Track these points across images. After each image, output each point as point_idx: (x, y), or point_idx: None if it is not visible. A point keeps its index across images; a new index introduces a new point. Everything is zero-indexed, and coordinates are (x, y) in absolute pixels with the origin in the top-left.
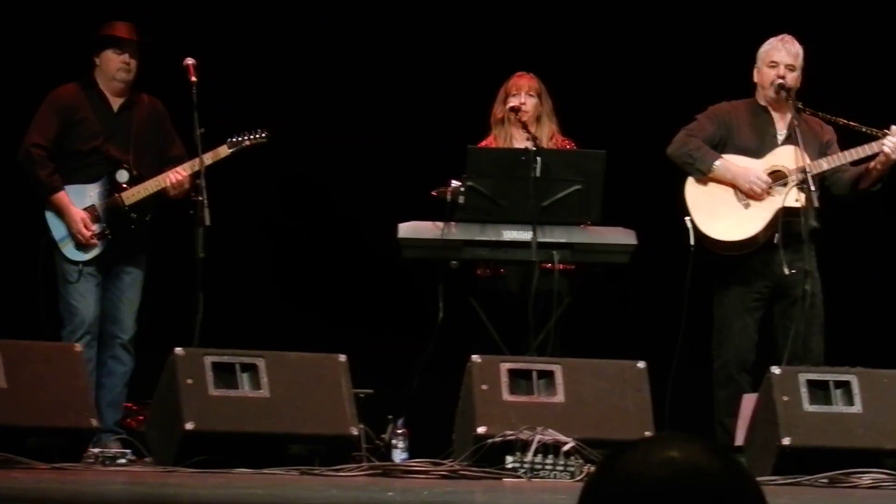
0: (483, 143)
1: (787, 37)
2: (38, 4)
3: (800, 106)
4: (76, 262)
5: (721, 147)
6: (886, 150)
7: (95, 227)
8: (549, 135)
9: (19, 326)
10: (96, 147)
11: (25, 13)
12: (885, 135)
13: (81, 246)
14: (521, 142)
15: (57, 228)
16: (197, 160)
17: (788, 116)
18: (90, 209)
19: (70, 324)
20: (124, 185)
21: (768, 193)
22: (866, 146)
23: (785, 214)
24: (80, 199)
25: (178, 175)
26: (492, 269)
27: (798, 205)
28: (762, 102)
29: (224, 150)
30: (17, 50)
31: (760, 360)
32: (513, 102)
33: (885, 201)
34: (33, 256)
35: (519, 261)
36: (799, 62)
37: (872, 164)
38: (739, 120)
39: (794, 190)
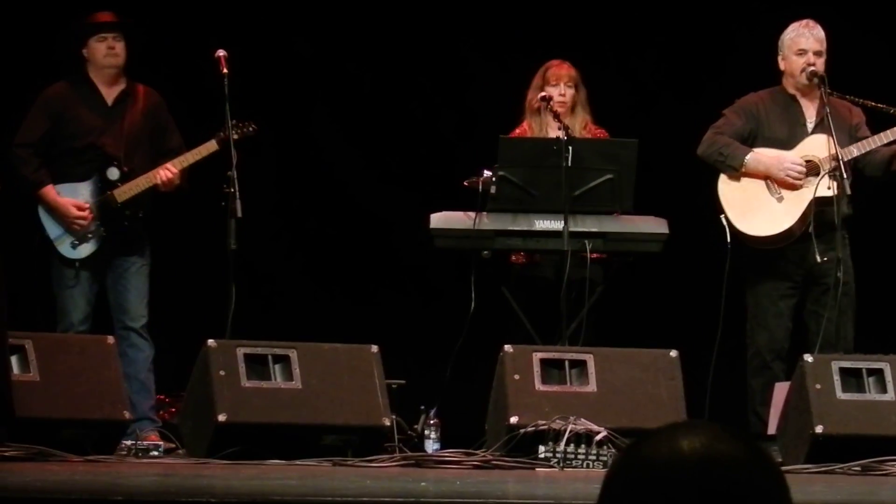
0: (517, 131)
1: (810, 22)
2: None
3: (828, 90)
4: (72, 262)
5: (751, 140)
6: None
7: (90, 226)
8: (582, 124)
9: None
10: (91, 143)
11: (24, 13)
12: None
13: (77, 243)
14: (555, 131)
15: (51, 227)
16: (185, 156)
17: (817, 103)
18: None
19: (61, 324)
20: (116, 183)
21: (804, 179)
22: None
23: (818, 204)
24: (73, 198)
25: (167, 173)
26: (527, 256)
27: (830, 193)
28: (791, 90)
29: (212, 146)
30: (13, 50)
31: (793, 348)
32: (550, 92)
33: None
34: (26, 256)
35: (551, 250)
36: (824, 46)
37: None
38: (768, 111)
39: (826, 178)
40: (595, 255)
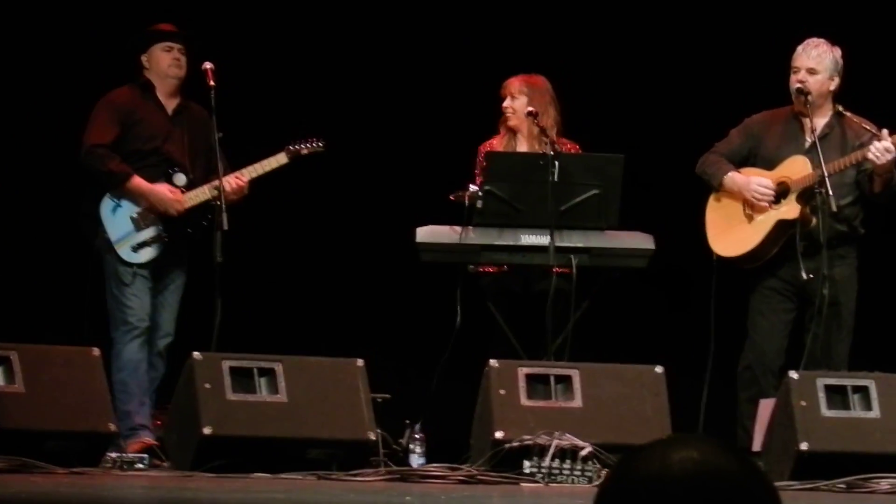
0: (487, 143)
1: (812, 41)
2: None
3: (840, 109)
4: (130, 265)
5: (751, 159)
6: (870, 156)
7: (152, 231)
8: (551, 140)
9: (55, 330)
10: (156, 148)
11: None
12: (877, 138)
13: (137, 247)
14: (523, 145)
15: (114, 229)
16: (254, 166)
17: (821, 122)
18: (147, 211)
19: (124, 324)
20: (182, 189)
21: (771, 200)
22: (858, 152)
23: (789, 227)
24: (137, 201)
25: (238, 181)
26: (496, 267)
27: (791, 217)
28: (795, 109)
29: (282, 159)
30: (63, 55)
31: (789, 365)
32: (504, 105)
33: None
34: (65, 260)
35: (536, 265)
36: (824, 65)
37: (872, 169)
38: (770, 130)
39: (793, 201)
40: (562, 270)
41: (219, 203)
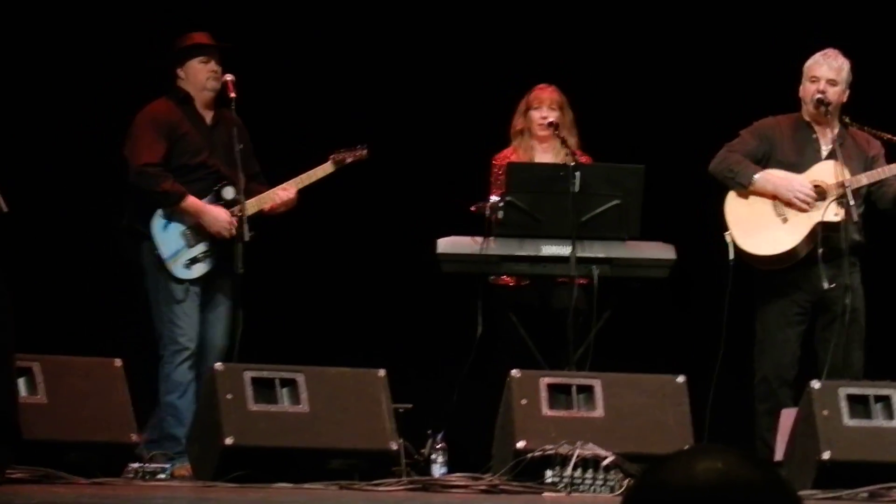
0: (502, 155)
1: (830, 51)
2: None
3: (847, 120)
4: (183, 281)
5: (764, 162)
6: None
7: (203, 246)
8: (572, 150)
9: (79, 342)
10: (202, 161)
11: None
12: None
13: (190, 263)
14: (541, 155)
15: (165, 246)
16: (300, 177)
17: (833, 132)
18: (198, 226)
19: (174, 344)
20: (232, 202)
21: (812, 203)
22: None
23: (824, 229)
24: (187, 218)
25: (287, 192)
26: (516, 280)
27: (837, 219)
28: (806, 118)
29: (328, 167)
30: (99, 67)
31: (803, 375)
32: (533, 116)
33: None
34: (89, 272)
35: (558, 276)
36: (842, 77)
37: None
38: (783, 135)
39: (834, 205)
40: (584, 281)
41: (239, 215)
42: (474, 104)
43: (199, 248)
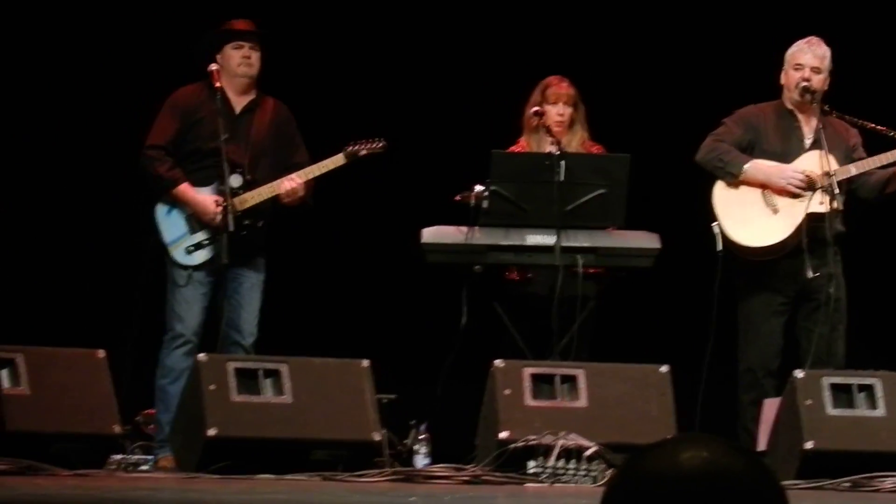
0: (514, 148)
1: (813, 39)
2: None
3: (826, 108)
4: (186, 267)
5: (749, 151)
6: None
7: (206, 232)
8: (580, 141)
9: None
10: (216, 148)
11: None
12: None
13: (192, 248)
14: (552, 148)
15: (169, 231)
16: (311, 168)
17: (815, 120)
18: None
19: (172, 330)
20: (238, 190)
21: (807, 189)
22: (895, 151)
23: (811, 220)
24: (182, 204)
25: (291, 182)
26: (520, 273)
27: (823, 209)
28: (788, 106)
29: (339, 160)
30: (128, 56)
31: (786, 365)
32: (549, 111)
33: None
34: (128, 260)
35: (543, 265)
36: (825, 65)
37: None
38: (767, 124)
39: (819, 195)
40: (591, 270)
41: (224, 205)
42: (462, 94)
43: (201, 235)
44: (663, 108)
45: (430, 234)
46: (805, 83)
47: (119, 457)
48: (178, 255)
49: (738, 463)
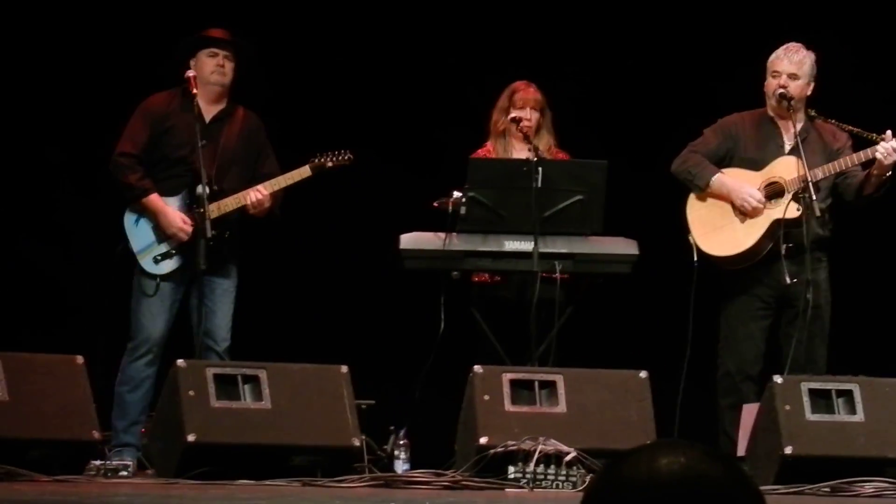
0: (480, 152)
1: (792, 45)
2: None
3: (812, 114)
4: (154, 276)
5: (727, 160)
6: (878, 155)
7: (174, 241)
8: (546, 147)
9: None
10: (183, 157)
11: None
12: (880, 140)
13: (160, 258)
14: (520, 153)
15: (137, 239)
16: (276, 179)
17: (798, 126)
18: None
19: (135, 339)
20: (204, 201)
21: (763, 209)
22: (861, 153)
23: (786, 225)
24: (150, 214)
25: (258, 194)
26: (489, 276)
27: (796, 215)
28: (770, 113)
29: (305, 171)
30: (103, 61)
31: (768, 370)
32: (516, 115)
33: (889, 208)
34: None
35: (521, 271)
36: (804, 70)
37: (871, 169)
38: (746, 132)
39: (791, 201)
40: (560, 277)
41: (201, 211)
42: (437, 101)
43: (170, 244)
44: (641, 114)
45: (408, 241)
46: (781, 90)
47: (98, 462)
48: (147, 263)
49: (716, 469)
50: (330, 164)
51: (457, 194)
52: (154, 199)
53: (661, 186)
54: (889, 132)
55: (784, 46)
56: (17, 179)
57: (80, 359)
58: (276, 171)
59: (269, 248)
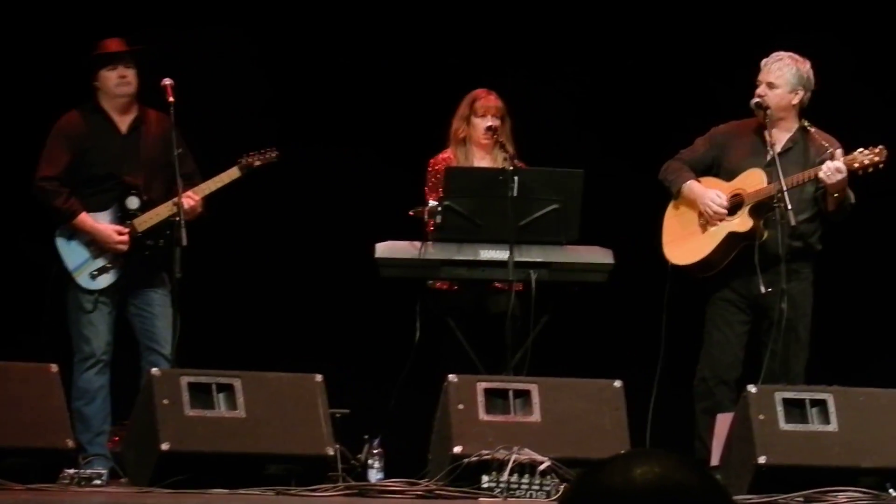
0: (439, 158)
1: (775, 55)
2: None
3: (805, 124)
4: (92, 292)
5: (715, 170)
6: (821, 175)
7: (109, 256)
8: (511, 155)
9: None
10: (109, 172)
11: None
12: (831, 157)
13: (96, 274)
14: (481, 161)
15: (70, 258)
16: (206, 183)
17: (785, 135)
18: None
19: (81, 353)
20: (136, 212)
21: (724, 215)
22: (807, 171)
23: (741, 238)
24: (83, 232)
25: (189, 201)
26: (447, 284)
27: (747, 228)
28: (761, 122)
29: (234, 173)
30: (20, 80)
31: (748, 379)
32: (477, 124)
33: (864, 217)
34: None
35: (496, 279)
36: (784, 80)
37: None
38: (736, 142)
39: (745, 214)
40: (521, 288)
41: (177, 219)
42: (412, 108)
43: (105, 259)
44: (617, 122)
45: (384, 249)
46: (756, 99)
47: (72, 471)
48: (83, 280)
49: (690, 478)
50: (258, 163)
51: (433, 203)
52: (84, 218)
53: (635, 194)
54: (839, 151)
55: (770, 56)
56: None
57: (54, 367)
58: (195, 171)
59: (244, 257)
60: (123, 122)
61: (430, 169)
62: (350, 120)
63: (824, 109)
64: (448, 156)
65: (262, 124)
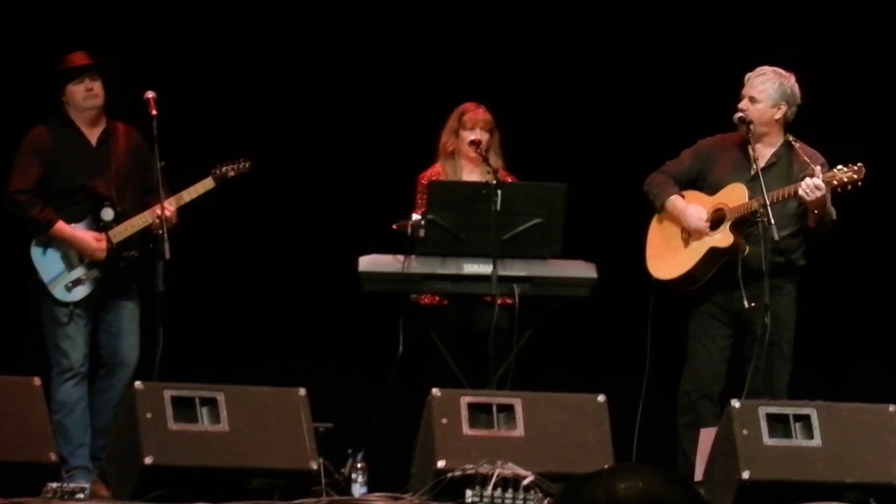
0: (429, 172)
1: (759, 69)
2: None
3: (790, 139)
4: (67, 304)
5: (700, 183)
6: (801, 192)
7: (84, 268)
8: (495, 169)
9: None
10: (82, 184)
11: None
12: (810, 174)
13: (71, 286)
14: (470, 174)
15: (45, 270)
16: (182, 194)
17: (769, 150)
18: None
19: (59, 366)
20: (111, 224)
21: (706, 229)
22: (787, 188)
23: (723, 254)
24: (60, 242)
25: (165, 212)
26: (435, 299)
27: (728, 244)
28: (746, 136)
29: (209, 183)
30: None
31: (731, 393)
32: (466, 137)
33: (848, 230)
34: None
35: (479, 294)
36: (766, 94)
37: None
38: (721, 155)
39: (726, 229)
40: (505, 301)
41: (160, 232)
42: (398, 121)
43: (81, 271)
44: (600, 136)
45: (367, 263)
46: (738, 113)
47: (55, 485)
48: (58, 292)
49: (673, 493)
50: (231, 173)
51: (416, 217)
52: (61, 226)
53: (618, 209)
54: (819, 168)
55: (756, 69)
56: None
57: (37, 380)
58: (163, 182)
59: (227, 270)
60: (93, 135)
61: (420, 183)
62: (332, 132)
63: (824, 110)
64: (437, 170)
65: (243, 136)
